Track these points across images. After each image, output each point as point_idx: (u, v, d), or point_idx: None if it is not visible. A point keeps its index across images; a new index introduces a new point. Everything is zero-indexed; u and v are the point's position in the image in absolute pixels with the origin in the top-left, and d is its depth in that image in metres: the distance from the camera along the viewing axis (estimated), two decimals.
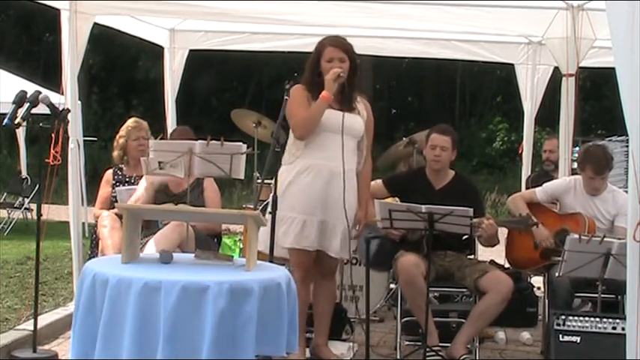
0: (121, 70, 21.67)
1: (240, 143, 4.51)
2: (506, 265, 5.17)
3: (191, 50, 7.44)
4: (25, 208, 11.18)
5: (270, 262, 3.78)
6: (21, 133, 12.20)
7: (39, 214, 4.76)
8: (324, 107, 4.35)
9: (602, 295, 4.41)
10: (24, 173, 12.06)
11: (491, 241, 4.67)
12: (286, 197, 4.37)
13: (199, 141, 4.47)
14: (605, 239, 4.29)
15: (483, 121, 21.62)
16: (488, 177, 18.30)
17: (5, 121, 4.55)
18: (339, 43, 4.48)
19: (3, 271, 7.23)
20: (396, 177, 5.44)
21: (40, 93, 4.65)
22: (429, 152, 4.89)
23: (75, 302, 3.20)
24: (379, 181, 5.01)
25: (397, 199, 5.04)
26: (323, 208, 4.39)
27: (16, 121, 4.51)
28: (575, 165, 5.53)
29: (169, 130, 7.21)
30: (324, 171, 4.39)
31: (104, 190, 5.50)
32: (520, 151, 7.73)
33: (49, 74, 15.16)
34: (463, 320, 4.80)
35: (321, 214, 4.39)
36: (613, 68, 2.93)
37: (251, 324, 2.97)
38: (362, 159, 4.58)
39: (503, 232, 4.80)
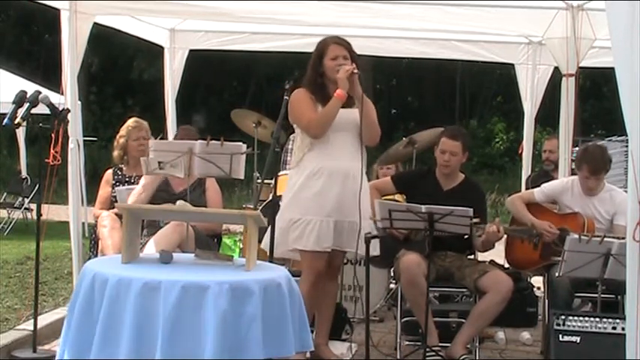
0: (120, 70, 21.65)
1: (240, 143, 4.51)
2: (506, 266, 5.17)
3: (191, 50, 7.45)
4: (25, 208, 11.17)
5: (270, 262, 3.78)
6: (21, 133, 12.19)
7: (39, 214, 4.76)
8: (339, 105, 4.31)
9: (602, 295, 4.41)
10: (24, 173, 12.05)
11: (488, 246, 4.71)
12: (299, 200, 4.33)
13: (199, 141, 4.48)
14: (605, 239, 4.29)
15: (483, 121, 21.62)
16: (488, 177, 18.28)
17: (5, 121, 4.55)
18: (342, 41, 4.46)
19: (3, 271, 7.23)
20: (405, 174, 5.42)
21: (40, 93, 4.65)
22: (439, 155, 4.88)
23: (71, 302, 3.17)
24: (387, 178, 5.00)
25: (403, 196, 5.05)
26: (338, 209, 4.34)
27: (16, 121, 4.51)
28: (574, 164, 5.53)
29: (169, 130, 7.22)
30: (335, 173, 4.33)
31: (104, 190, 5.50)
32: (520, 151, 7.73)
33: (49, 74, 15.14)
34: (463, 320, 4.80)
35: (336, 214, 4.34)
36: (613, 68, 2.93)
37: (255, 324, 2.97)
38: None
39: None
